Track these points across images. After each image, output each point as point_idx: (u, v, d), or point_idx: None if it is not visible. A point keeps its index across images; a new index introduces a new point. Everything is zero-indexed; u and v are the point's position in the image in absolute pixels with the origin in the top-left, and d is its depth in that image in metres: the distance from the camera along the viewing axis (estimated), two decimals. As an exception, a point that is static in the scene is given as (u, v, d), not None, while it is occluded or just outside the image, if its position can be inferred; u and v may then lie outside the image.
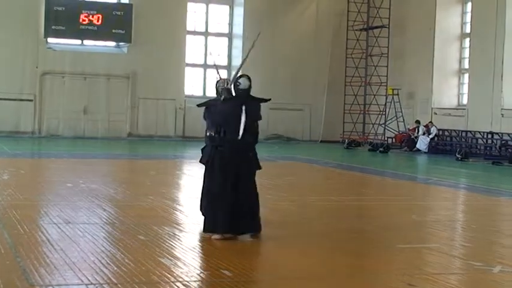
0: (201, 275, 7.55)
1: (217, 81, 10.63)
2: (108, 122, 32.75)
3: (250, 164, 9.55)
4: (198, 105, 10.85)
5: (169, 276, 7.29)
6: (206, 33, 35.11)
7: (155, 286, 6.96)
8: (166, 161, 23.03)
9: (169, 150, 27.97)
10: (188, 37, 34.39)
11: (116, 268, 7.54)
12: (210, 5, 35.05)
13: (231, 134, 9.39)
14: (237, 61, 34.77)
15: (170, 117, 33.59)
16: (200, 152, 10.54)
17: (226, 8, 35.35)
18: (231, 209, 9.23)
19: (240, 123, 9.32)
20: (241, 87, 9.55)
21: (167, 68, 33.19)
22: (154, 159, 23.25)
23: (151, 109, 33.18)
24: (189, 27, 34.43)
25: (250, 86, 9.57)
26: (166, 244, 8.96)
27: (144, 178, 17.27)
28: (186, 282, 7.08)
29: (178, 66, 33.80)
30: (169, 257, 8.16)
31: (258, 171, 9.72)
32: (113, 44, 33.49)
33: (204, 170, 10.44)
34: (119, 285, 6.90)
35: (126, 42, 32.91)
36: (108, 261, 7.84)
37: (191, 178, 18.45)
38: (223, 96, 9.80)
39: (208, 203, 9.51)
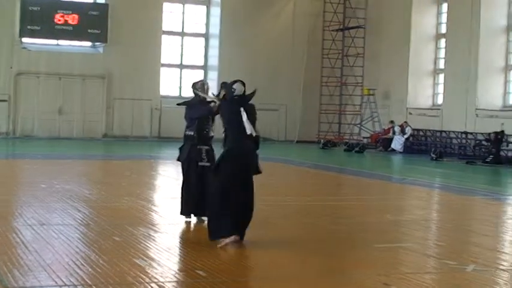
0: (176, 275, 7.54)
1: (194, 83, 10.88)
2: (83, 122, 32.59)
3: (252, 169, 9.24)
4: (178, 104, 11.14)
5: (144, 277, 7.27)
6: (182, 34, 35.04)
7: (130, 287, 6.93)
8: (141, 161, 22.96)
9: (145, 150, 27.89)
10: (164, 37, 34.32)
11: (90, 269, 7.51)
12: (187, 5, 35.00)
13: (235, 139, 9.12)
14: (213, 61, 34.78)
15: (146, 118, 33.49)
16: (178, 150, 10.87)
17: (203, 8, 35.32)
18: (236, 211, 8.95)
19: (243, 126, 9.04)
20: (236, 93, 9.24)
21: (143, 68, 33.10)
22: (130, 160, 23.15)
23: (126, 109, 33.07)
24: (165, 28, 34.35)
25: (245, 91, 9.27)
26: (141, 245, 8.93)
27: (119, 179, 17.21)
28: (161, 283, 7.06)
29: (154, 66, 33.72)
30: (144, 258, 8.14)
31: None
32: (88, 44, 33.36)
33: (182, 170, 10.82)
34: (94, 287, 6.87)
35: (101, 42, 32.79)
36: (83, 263, 7.80)
37: (166, 179, 18.42)
38: (216, 103, 10.00)
39: (213, 208, 9.11)
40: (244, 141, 9.10)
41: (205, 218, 10.39)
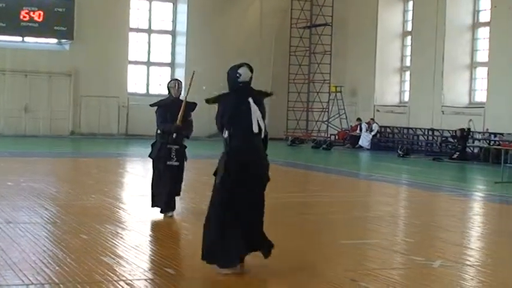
0: (145, 273, 7.50)
1: (170, 81, 11.02)
2: (50, 120, 32.32)
3: (263, 174, 7.49)
4: (151, 105, 11.08)
5: (112, 275, 7.24)
6: (149, 31, 34.91)
7: (98, 285, 6.89)
8: (109, 159, 22.84)
9: (112, 148, 27.74)
10: (131, 34, 34.16)
11: (57, 268, 7.46)
12: (153, 2, 34.86)
13: (240, 139, 7.35)
14: (180, 58, 34.68)
15: (113, 115, 33.31)
16: (150, 147, 10.99)
17: (170, 5, 35.19)
18: (243, 235, 7.34)
19: (251, 122, 7.35)
20: (241, 79, 7.55)
21: (110, 65, 32.90)
22: (97, 158, 23.03)
23: (93, 107, 32.84)
24: (132, 24, 34.19)
25: (251, 78, 7.65)
26: (109, 243, 8.89)
27: (86, 177, 17.11)
28: (129, 281, 7.04)
29: (121, 63, 33.54)
30: (112, 256, 8.10)
31: None
32: (54, 41, 33.06)
33: (153, 165, 10.97)
34: (61, 285, 6.83)
35: (68, 39, 32.54)
36: (50, 261, 7.75)
37: (134, 176, 18.36)
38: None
39: (213, 228, 7.39)
40: (253, 143, 7.40)
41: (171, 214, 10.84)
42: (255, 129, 7.32)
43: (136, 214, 11.43)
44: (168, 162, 10.68)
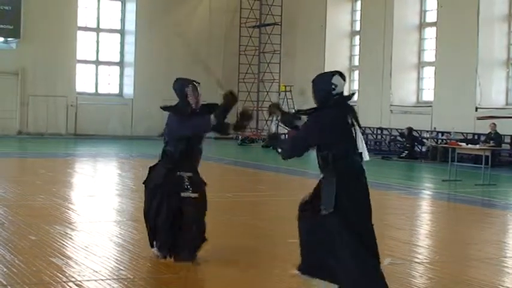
0: (94, 274, 7.43)
1: (181, 83, 7.95)
2: (-4, 119, 31.93)
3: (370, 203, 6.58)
4: (164, 108, 8.35)
5: (61, 276, 7.16)
6: (98, 29, 34.63)
7: (46, 287, 6.82)
8: (57, 159, 22.61)
9: (61, 148, 27.46)
10: (79, 33, 33.85)
11: (5, 269, 7.36)
12: (102, 1, 34.58)
13: (350, 159, 6.56)
14: (129, 57, 34.47)
15: (61, 115, 32.97)
16: (148, 170, 8.26)
17: (118, 3, 34.96)
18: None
19: (354, 140, 6.54)
20: (337, 90, 6.26)
21: (58, 64, 32.56)
22: (45, 158, 22.77)
23: (41, 106, 32.48)
24: (80, 23, 33.88)
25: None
26: (58, 243, 8.80)
27: (34, 177, 16.90)
28: (78, 282, 6.97)
29: (69, 62, 33.21)
30: (61, 257, 8.02)
31: None
32: (0, 39, 32.60)
33: (151, 197, 8.04)
34: (9, 287, 6.73)
35: (14, 38, 32.10)
36: (-3, 263, 7.65)
37: (83, 176, 18.20)
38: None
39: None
40: (360, 163, 6.53)
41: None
42: (362, 150, 6.56)
43: (85, 214, 11.33)
44: (182, 194, 7.85)
